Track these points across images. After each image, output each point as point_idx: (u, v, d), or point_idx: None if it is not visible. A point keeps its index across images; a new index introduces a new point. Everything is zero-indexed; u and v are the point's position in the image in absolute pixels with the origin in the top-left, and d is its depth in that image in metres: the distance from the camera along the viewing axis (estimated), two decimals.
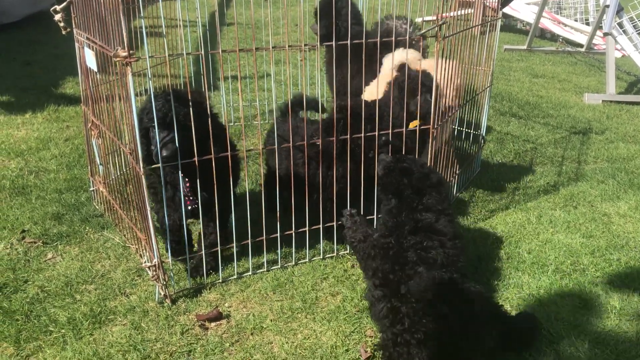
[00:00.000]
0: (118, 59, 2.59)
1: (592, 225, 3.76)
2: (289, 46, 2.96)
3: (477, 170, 4.50)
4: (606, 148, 5.13)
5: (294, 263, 3.25)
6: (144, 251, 3.01)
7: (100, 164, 3.57)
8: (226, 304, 2.92)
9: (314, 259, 3.31)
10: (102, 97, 3.27)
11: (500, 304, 2.78)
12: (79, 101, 4.27)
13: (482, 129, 4.47)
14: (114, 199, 3.47)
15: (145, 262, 2.96)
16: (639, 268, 3.29)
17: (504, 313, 2.63)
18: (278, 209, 3.24)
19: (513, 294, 3.05)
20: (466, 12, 4.22)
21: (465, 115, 4.44)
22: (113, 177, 3.65)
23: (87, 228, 3.53)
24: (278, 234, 3.19)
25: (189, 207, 3.00)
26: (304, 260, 3.28)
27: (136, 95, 2.77)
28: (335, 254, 3.34)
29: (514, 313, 2.85)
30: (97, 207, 3.75)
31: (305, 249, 3.31)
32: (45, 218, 3.60)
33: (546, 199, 4.13)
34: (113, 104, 3.09)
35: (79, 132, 4.83)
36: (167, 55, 2.68)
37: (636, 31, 6.88)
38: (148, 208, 2.78)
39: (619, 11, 6.71)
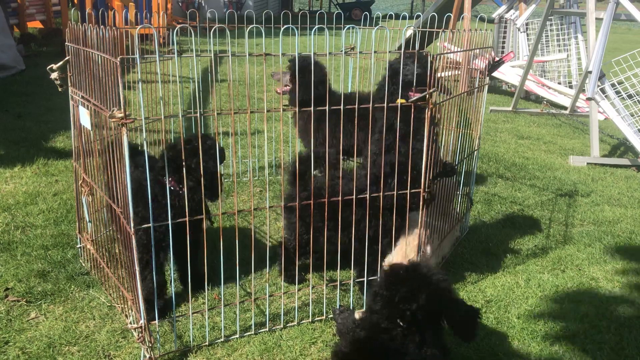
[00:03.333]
0: (114, 120, 2.62)
1: (580, 289, 3.77)
2: (282, 110, 3.02)
3: (466, 232, 4.53)
4: (592, 211, 5.20)
5: (282, 326, 3.21)
6: (130, 311, 2.97)
7: (89, 221, 3.55)
8: None
9: (303, 322, 3.26)
10: (95, 154, 3.29)
11: None
12: (68, 155, 4.29)
13: (470, 191, 4.53)
14: (101, 256, 3.43)
15: (131, 323, 2.91)
16: (628, 335, 3.28)
17: None
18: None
19: None
20: (454, 73, 4.33)
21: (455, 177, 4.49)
22: (101, 234, 3.62)
23: (73, 286, 3.47)
24: (267, 296, 3.16)
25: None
26: (292, 324, 3.24)
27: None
28: (324, 317, 3.30)
29: None
30: (83, 265, 3.70)
31: (294, 311, 3.28)
32: (30, 275, 3.54)
33: (534, 261, 4.15)
34: (106, 162, 3.10)
35: (67, 187, 4.82)
36: (163, 117, 2.73)
37: (618, 96, 7.09)
38: (137, 268, 2.75)
39: (601, 77, 6.93)
